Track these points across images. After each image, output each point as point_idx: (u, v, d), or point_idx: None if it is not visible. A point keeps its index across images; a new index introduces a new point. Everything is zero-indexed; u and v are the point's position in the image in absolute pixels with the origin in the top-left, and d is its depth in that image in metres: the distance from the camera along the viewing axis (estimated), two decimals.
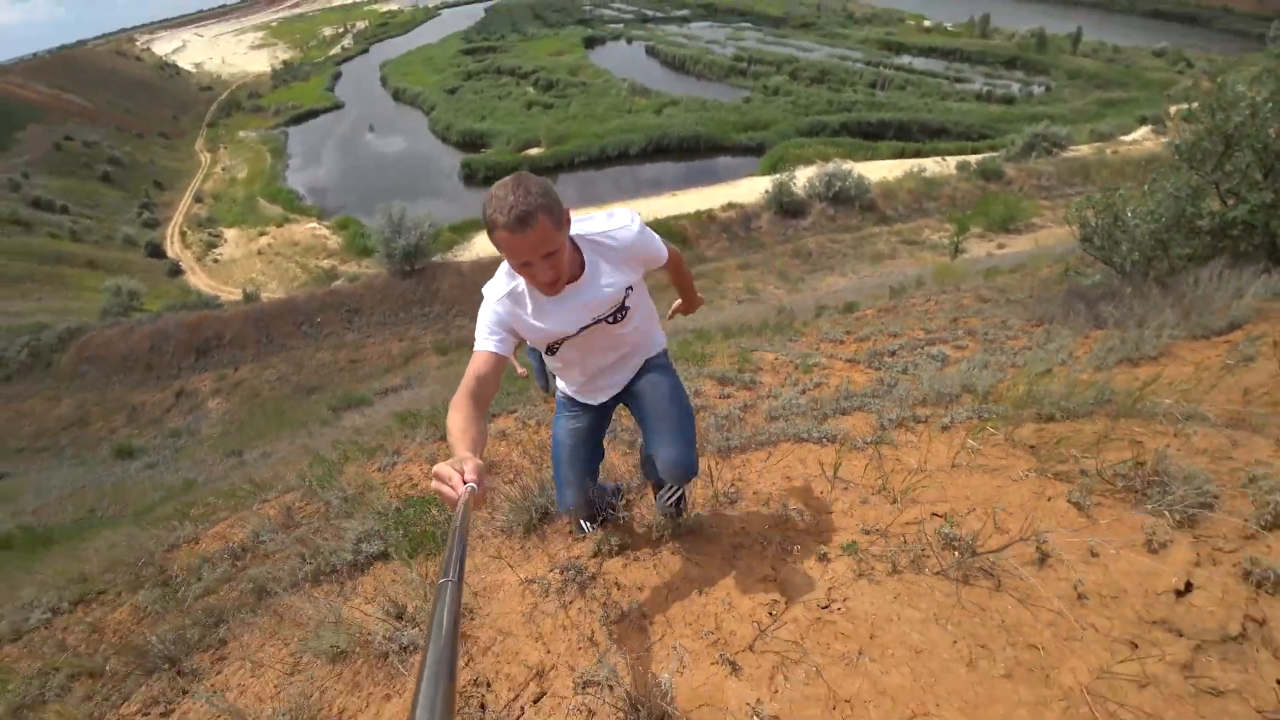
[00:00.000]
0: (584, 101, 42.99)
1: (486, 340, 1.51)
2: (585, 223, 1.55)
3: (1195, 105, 4.63)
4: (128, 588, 3.25)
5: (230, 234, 35.88)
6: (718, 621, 1.29)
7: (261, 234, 34.29)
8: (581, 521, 1.99)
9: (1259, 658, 0.86)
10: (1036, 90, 42.92)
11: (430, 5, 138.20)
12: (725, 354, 4.92)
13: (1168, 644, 0.91)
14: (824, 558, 1.41)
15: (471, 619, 1.53)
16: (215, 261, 33.26)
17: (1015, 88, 43.32)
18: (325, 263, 29.88)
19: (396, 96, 55.43)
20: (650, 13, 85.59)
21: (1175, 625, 0.94)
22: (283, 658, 1.67)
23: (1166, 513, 1.20)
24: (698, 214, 22.66)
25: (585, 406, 1.86)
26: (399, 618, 1.55)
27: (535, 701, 1.19)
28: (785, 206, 22.88)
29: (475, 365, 1.46)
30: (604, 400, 1.84)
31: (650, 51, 60.10)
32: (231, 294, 27.58)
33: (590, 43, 66.19)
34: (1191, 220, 4.23)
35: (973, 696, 0.90)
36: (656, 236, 1.69)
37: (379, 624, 1.52)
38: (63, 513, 14.12)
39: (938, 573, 1.23)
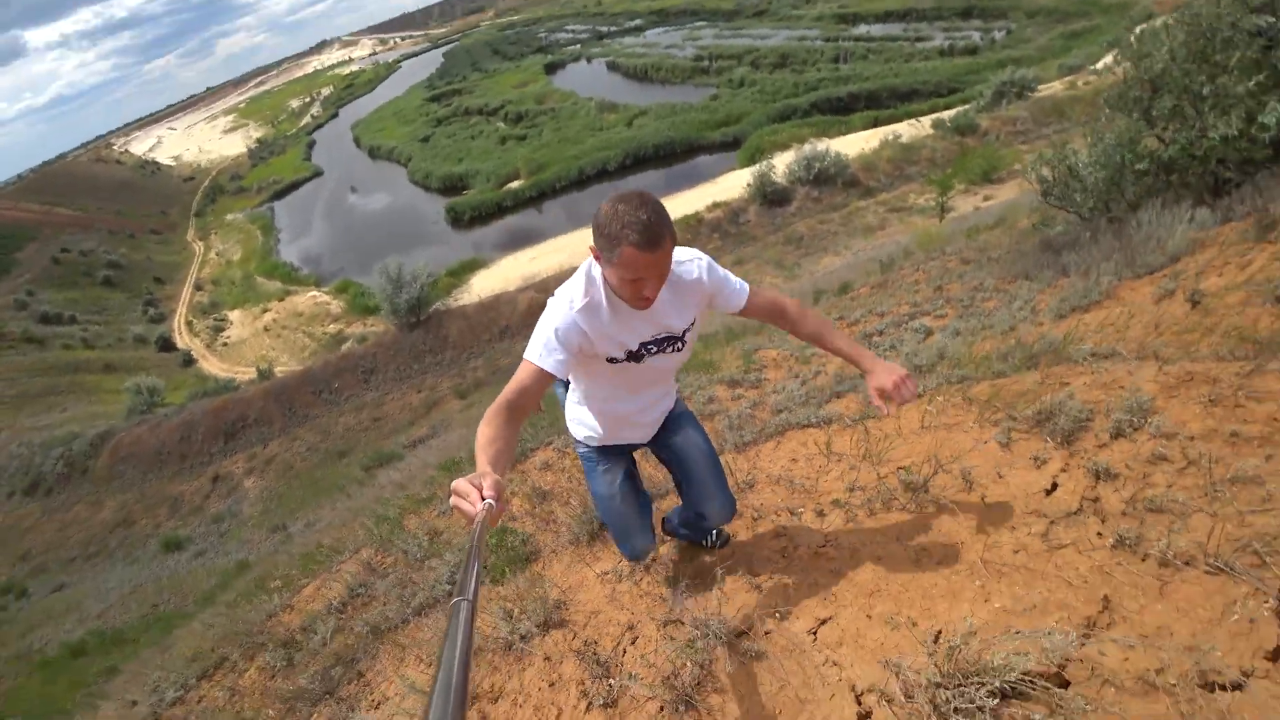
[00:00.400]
0: (555, 127, 43.77)
1: (544, 356, 1.45)
2: None
3: (1116, 55, 5.03)
4: (244, 656, 3.70)
5: (234, 316, 36.83)
6: (748, 566, 1.75)
7: (265, 310, 35.18)
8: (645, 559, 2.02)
9: (1089, 522, 1.29)
10: (999, 36, 43.21)
11: (390, 60, 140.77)
12: (732, 358, 5.37)
13: (1035, 523, 1.35)
14: (820, 513, 1.85)
15: (567, 608, 1.97)
16: (224, 345, 34.17)
17: (977, 37, 43.66)
18: (331, 328, 30.66)
19: (372, 154, 56.63)
20: (604, 28, 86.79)
21: (1042, 511, 1.38)
22: (423, 669, 2.12)
23: (1048, 439, 1.64)
24: (685, 219, 23.17)
25: (614, 453, 1.86)
26: (510, 617, 1.98)
27: (633, 643, 1.64)
28: (770, 196, 23.33)
29: (521, 377, 1.43)
30: (633, 441, 1.85)
31: (611, 66, 61.03)
32: (246, 374, 28.34)
33: (551, 68, 67.27)
34: (1132, 165, 4.63)
35: (911, 578, 1.35)
36: (732, 277, 1.67)
37: (496, 624, 1.96)
38: (127, 612, 14.68)
39: (902, 507, 1.67)
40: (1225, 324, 2.05)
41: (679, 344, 1.65)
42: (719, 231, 23.03)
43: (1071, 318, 3.24)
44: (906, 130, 27.48)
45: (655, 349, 1.62)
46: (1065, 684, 0.95)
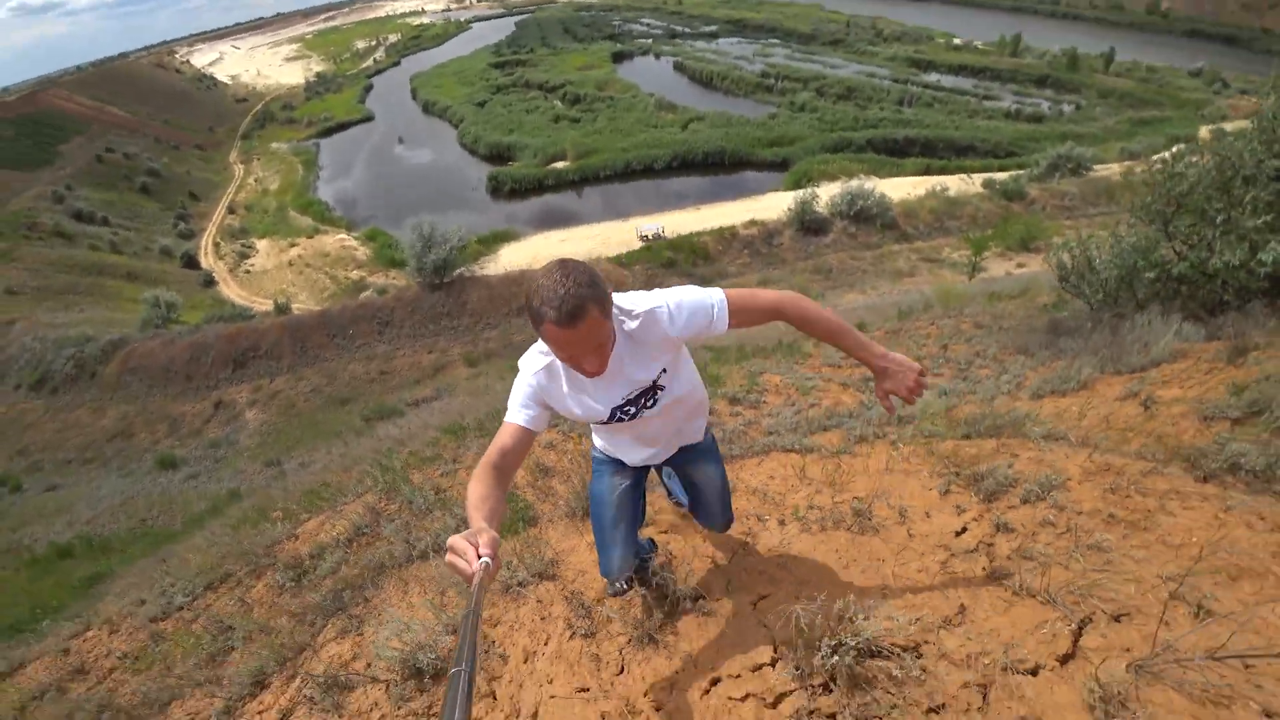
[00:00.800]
0: (611, 116, 44.51)
1: (517, 413, 1.50)
2: (623, 300, 1.52)
3: (1155, 168, 5.38)
4: (251, 575, 4.01)
5: (262, 245, 37.49)
6: (713, 552, 2.14)
7: (292, 245, 35.83)
8: (619, 582, 1.95)
9: (979, 559, 1.68)
10: (1067, 109, 43.32)
11: (462, 19, 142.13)
12: (737, 376, 5.75)
13: (939, 554, 1.73)
14: (781, 522, 2.23)
15: (559, 565, 2.34)
16: (247, 273, 34.76)
17: (1045, 106, 43.82)
18: (354, 274, 31.26)
19: (426, 109, 57.56)
20: (679, 28, 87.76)
21: (948, 547, 1.76)
22: (429, 598, 2.51)
23: (975, 495, 2.03)
24: (720, 230, 23.57)
25: (628, 467, 1.88)
26: (509, 566, 2.36)
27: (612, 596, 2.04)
28: (807, 224, 23.69)
29: (502, 437, 1.45)
30: (646, 462, 1.87)
31: (678, 67, 61.90)
32: (263, 305, 28.92)
33: (618, 57, 68.30)
34: (1143, 271, 4.98)
35: (835, 577, 1.74)
36: (704, 301, 1.52)
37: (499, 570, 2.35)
38: (115, 522, 15.13)
39: (847, 528, 2.06)
40: (1159, 429, 2.41)
41: (657, 393, 1.62)
42: (750, 249, 23.39)
43: (1047, 399, 3.59)
44: (955, 184, 27.73)
45: (634, 409, 1.61)
46: (919, 655, 1.33)
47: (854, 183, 25.43)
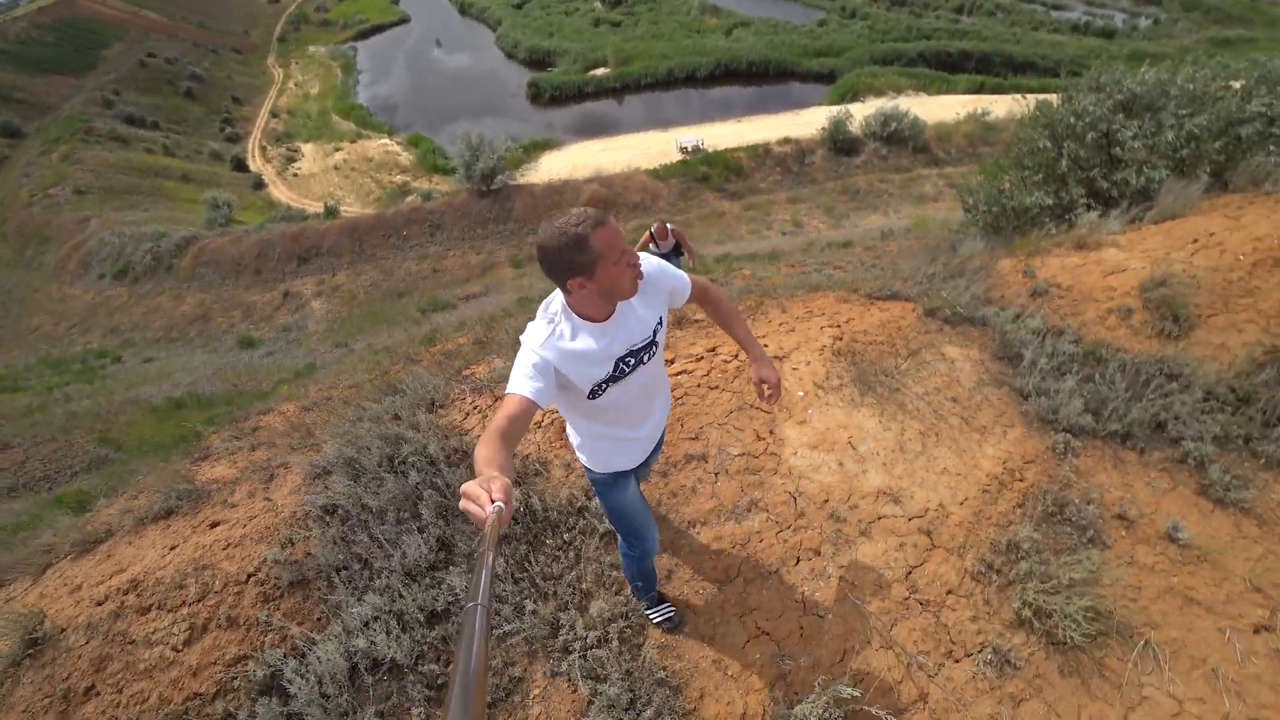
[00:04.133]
0: (653, 20, 44.22)
1: (524, 384, 1.59)
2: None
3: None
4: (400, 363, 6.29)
5: (307, 149, 39.32)
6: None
7: (336, 149, 37.59)
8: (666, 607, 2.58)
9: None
10: (1143, 23, 41.61)
11: None
12: (721, 270, 7.77)
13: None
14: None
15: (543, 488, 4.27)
16: (294, 175, 36.77)
17: (1119, 19, 42.09)
18: (399, 178, 33.07)
19: (463, 10, 57.47)
20: None
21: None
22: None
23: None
24: (754, 147, 24.59)
25: (628, 473, 2.12)
26: None
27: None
28: (840, 144, 24.36)
29: (508, 407, 1.53)
30: (645, 459, 2.13)
31: None
32: (313, 207, 30.94)
33: None
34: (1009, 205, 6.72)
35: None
36: (672, 267, 1.88)
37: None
38: (212, 387, 17.94)
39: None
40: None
41: (653, 347, 1.86)
42: (782, 166, 24.48)
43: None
44: (1006, 105, 27.76)
45: (634, 361, 1.81)
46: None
47: (887, 103, 25.87)
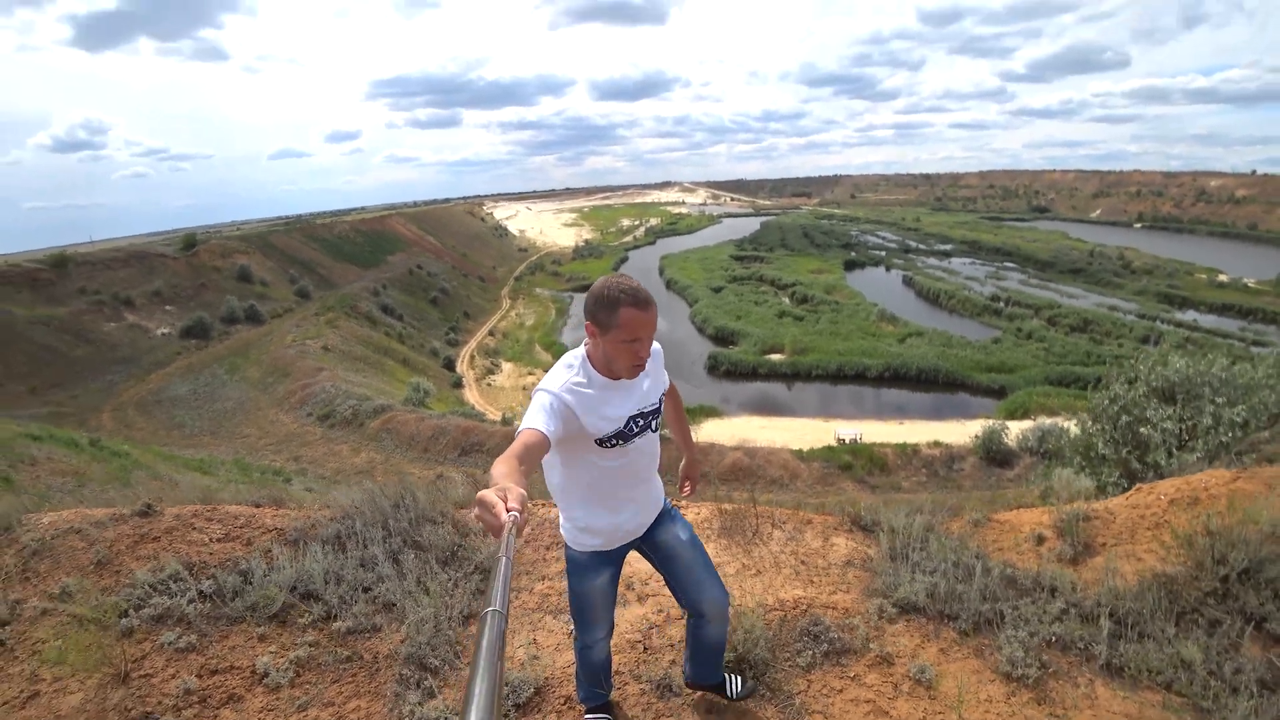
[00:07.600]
0: (833, 319, 46.85)
1: (538, 420, 1.64)
2: None
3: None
4: None
5: (507, 367, 44.86)
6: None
7: (530, 373, 42.27)
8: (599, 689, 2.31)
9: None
10: None
11: (714, 213, 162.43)
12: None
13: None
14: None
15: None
16: (489, 385, 41.54)
17: None
18: None
19: (669, 285, 65.39)
20: (914, 244, 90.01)
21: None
22: None
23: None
24: (902, 445, 24.22)
25: (608, 558, 2.08)
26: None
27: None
28: (993, 454, 23.37)
29: (523, 438, 1.56)
30: (628, 544, 2.11)
31: (907, 281, 63.57)
32: (493, 414, 34.56)
33: (850, 265, 72.13)
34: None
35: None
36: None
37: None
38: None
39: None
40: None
41: (656, 417, 2.00)
42: (929, 468, 23.61)
43: None
44: None
45: (640, 424, 1.93)
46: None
47: (1046, 420, 24.86)
